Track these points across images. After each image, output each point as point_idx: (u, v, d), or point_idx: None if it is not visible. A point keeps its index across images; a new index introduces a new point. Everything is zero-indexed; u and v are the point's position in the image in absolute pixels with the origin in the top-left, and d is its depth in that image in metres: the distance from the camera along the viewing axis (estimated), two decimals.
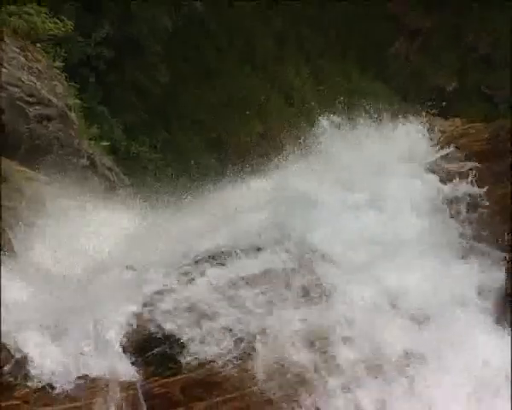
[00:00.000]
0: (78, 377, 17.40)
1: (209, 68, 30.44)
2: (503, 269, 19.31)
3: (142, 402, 17.44)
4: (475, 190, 20.77)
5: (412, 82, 26.82)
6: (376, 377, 17.66)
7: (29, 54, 22.76)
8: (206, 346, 17.98)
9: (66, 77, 24.94)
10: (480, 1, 33.32)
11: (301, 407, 17.25)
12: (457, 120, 22.76)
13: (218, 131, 26.05)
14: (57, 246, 20.16)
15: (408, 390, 17.49)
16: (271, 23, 31.80)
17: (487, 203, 20.47)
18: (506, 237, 19.81)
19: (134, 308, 18.47)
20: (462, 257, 19.67)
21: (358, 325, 18.24)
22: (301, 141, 22.03)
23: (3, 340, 17.39)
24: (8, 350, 17.38)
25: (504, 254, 19.62)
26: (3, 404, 17.03)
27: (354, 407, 17.32)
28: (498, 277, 19.12)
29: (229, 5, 31.44)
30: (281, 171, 21.73)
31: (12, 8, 21.82)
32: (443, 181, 21.39)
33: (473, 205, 20.73)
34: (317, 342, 18.05)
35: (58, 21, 23.10)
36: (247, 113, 27.82)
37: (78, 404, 17.11)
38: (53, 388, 17.19)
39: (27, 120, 22.19)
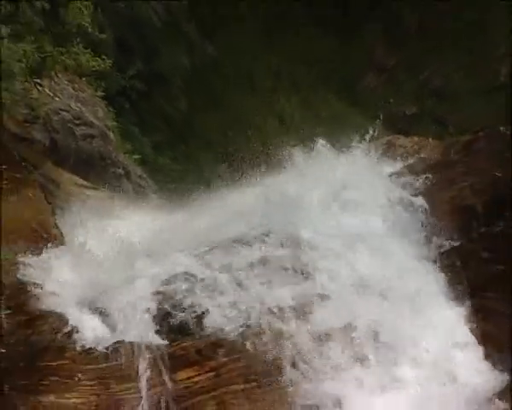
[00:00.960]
0: (115, 343, 17.56)
1: (218, 98, 30.55)
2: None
3: (166, 362, 17.62)
4: (430, 193, 20.93)
5: (380, 108, 26.84)
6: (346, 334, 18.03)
7: (76, 85, 23.09)
8: (216, 317, 18.14)
9: (105, 104, 25.00)
10: (434, 42, 31.90)
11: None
12: (415, 138, 22.92)
13: (225, 147, 26.19)
14: (99, 237, 20.28)
15: (373, 344, 17.94)
16: (269, 60, 31.70)
17: (440, 204, 20.61)
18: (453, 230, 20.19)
19: (160, 287, 18.72)
20: (421, 246, 19.94)
21: (334, 298, 18.60)
22: (291, 155, 21.99)
23: (58, 310, 17.73)
24: (61, 320, 17.63)
25: (449, 241, 20.12)
26: (56, 363, 17.21)
27: (327, 357, 17.73)
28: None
29: (234, 47, 31.12)
30: (274, 178, 22.00)
31: (62, 49, 21.82)
32: (404, 187, 21.51)
33: (428, 205, 20.79)
34: (302, 311, 18.36)
35: (99, 59, 23.03)
36: (249, 133, 27.99)
37: (114, 364, 17.29)
38: (94, 351, 17.38)
39: (75, 138, 22.46)
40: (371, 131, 22.55)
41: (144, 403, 16.97)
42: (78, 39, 22.33)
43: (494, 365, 17.94)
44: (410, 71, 32.02)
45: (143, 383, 17.18)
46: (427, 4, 32.67)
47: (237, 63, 30.67)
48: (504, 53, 31.67)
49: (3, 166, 19.09)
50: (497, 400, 17.23)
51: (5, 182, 18.85)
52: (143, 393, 17.09)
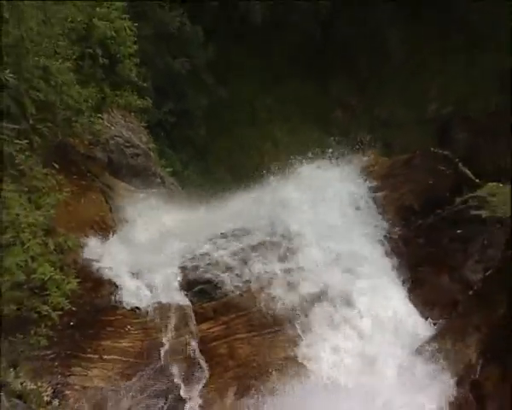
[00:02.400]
0: (154, 303, 17.84)
1: (228, 127, 30.58)
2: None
3: (192, 317, 17.90)
4: (381, 195, 21.12)
5: (345, 135, 26.88)
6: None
7: (127, 118, 23.29)
8: (226, 285, 18.42)
9: (147, 132, 24.89)
10: (383, 87, 31.41)
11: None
12: (371, 157, 22.87)
13: (234, 163, 26.37)
14: (142, 227, 20.64)
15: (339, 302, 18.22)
16: (265, 100, 31.68)
17: (388, 203, 20.82)
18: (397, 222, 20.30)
19: (186, 263, 18.93)
20: (374, 233, 20.11)
21: (312, 271, 18.84)
22: (281, 169, 22.18)
23: (114, 279, 18.01)
24: (115, 287, 17.86)
25: (395, 230, 20.26)
26: (112, 318, 17.45)
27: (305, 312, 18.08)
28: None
29: (240, 91, 31.09)
30: (269, 186, 21.93)
31: (117, 92, 21.87)
32: (363, 191, 21.42)
33: (380, 204, 20.96)
34: (288, 280, 18.64)
35: (143, 100, 23.04)
36: (251, 153, 28.18)
37: (153, 318, 17.57)
38: (139, 309, 17.68)
39: (125, 156, 22.51)
40: (339, 152, 22.61)
41: (174, 346, 17.30)
42: (127, 86, 22.37)
43: (425, 317, 18.18)
44: (366, 108, 31.85)
45: (174, 333, 17.49)
46: (378, 61, 32.12)
47: (242, 102, 30.76)
48: (433, 96, 31.41)
49: (74, 177, 19.26)
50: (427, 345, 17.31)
51: (76, 187, 18.90)
52: (173, 338, 17.45)
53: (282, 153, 23.11)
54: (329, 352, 17.38)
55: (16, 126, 16.84)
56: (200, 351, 17.53)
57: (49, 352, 16.07)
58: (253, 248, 19.39)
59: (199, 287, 18.66)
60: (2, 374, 15.11)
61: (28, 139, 17.04)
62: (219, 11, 30.35)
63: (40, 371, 15.83)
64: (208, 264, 18.97)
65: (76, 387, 16.17)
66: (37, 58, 17.50)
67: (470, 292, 17.85)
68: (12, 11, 16.13)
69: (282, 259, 19.24)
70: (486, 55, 30.93)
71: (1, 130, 16.16)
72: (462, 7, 31.79)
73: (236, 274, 18.85)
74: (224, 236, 19.72)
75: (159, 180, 22.36)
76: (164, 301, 18.16)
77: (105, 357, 16.84)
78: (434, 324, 17.91)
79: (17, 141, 16.59)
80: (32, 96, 17.27)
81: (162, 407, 16.41)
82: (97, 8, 21.17)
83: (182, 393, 16.70)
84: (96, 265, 18.10)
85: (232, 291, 18.62)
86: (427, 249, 19.41)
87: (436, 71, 30.96)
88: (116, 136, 21.79)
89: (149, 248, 19.66)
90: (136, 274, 18.57)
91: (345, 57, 31.78)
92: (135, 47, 21.99)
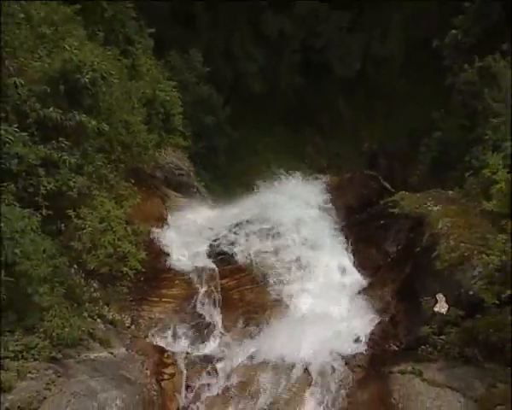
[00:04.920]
0: (193, 266, 18.14)
1: (239, 157, 30.34)
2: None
3: (217, 275, 18.15)
4: (334, 201, 21.08)
5: (313, 163, 26.76)
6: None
7: (175, 152, 23.22)
8: (238, 255, 18.69)
9: (189, 160, 24.54)
10: (334, 133, 31.34)
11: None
12: (328, 176, 22.77)
13: (243, 179, 26.20)
14: (185, 220, 20.42)
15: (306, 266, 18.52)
16: (263, 140, 31.37)
17: (338, 205, 20.82)
18: (344, 218, 20.21)
19: (213, 242, 19.21)
20: (330, 225, 20.12)
21: (291, 247, 19.06)
22: (272, 183, 22.27)
23: (168, 251, 18.19)
24: (169, 256, 18.10)
25: (343, 223, 20.03)
26: (166, 275, 17.75)
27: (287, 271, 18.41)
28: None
29: (247, 134, 30.72)
30: (265, 193, 21.79)
31: (169, 136, 21.77)
32: (322, 197, 21.31)
33: (333, 206, 20.83)
34: (277, 252, 18.89)
35: (185, 140, 22.95)
36: (254, 173, 27.70)
37: (191, 276, 17.86)
38: (182, 272, 17.92)
39: (175, 175, 22.48)
40: (309, 172, 22.75)
41: (204, 293, 17.56)
42: (176, 132, 22.11)
43: (361, 275, 18.28)
44: (326, 145, 31.49)
45: (206, 285, 17.75)
46: (333, 117, 31.61)
47: (248, 141, 30.67)
48: (366, 138, 30.94)
49: (143, 188, 19.31)
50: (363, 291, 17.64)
51: (144, 195, 18.88)
52: (203, 290, 17.64)
53: (273, 173, 23.03)
54: (300, 295, 17.61)
55: (108, 156, 17.29)
56: (221, 297, 17.67)
57: (128, 296, 16.29)
58: (254, 232, 19.35)
59: (220, 257, 18.74)
60: (100, 310, 15.49)
61: (115, 165, 17.48)
62: (233, 85, 30.17)
63: (123, 308, 16.19)
64: (226, 242, 19.05)
65: (145, 318, 16.56)
66: (121, 115, 17.93)
67: (389, 259, 18.03)
68: (106, 87, 16.49)
69: (272, 239, 19.19)
70: (398, 113, 31.06)
71: (100, 159, 16.55)
72: (387, 86, 31.57)
73: (242, 250, 18.92)
74: (236, 225, 19.66)
75: (195, 190, 22.30)
76: (199, 265, 18.24)
77: (163, 300, 17.18)
78: (366, 277, 18.12)
79: (109, 166, 17.02)
80: (118, 138, 17.66)
81: (200, 327, 16.83)
82: (159, 85, 21.51)
83: (206, 319, 17.06)
84: (157, 242, 18.19)
85: (241, 259, 18.71)
86: (362, 233, 19.30)
87: (367, 124, 30.97)
88: (169, 163, 21.85)
89: (190, 232, 19.58)
90: (181, 248, 18.62)
91: (313, 114, 31.53)
92: (181, 108, 22.21)
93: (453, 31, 23.72)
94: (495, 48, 19.59)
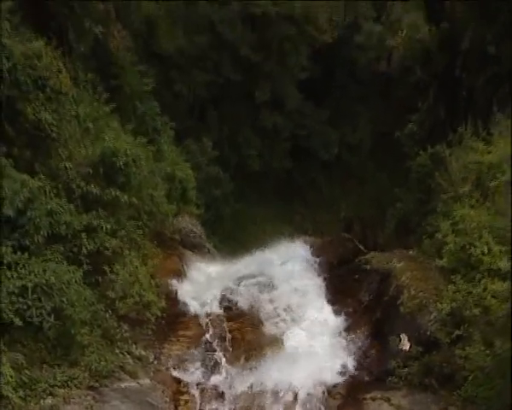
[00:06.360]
0: (204, 312, 17.98)
1: (242, 224, 29.98)
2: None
3: (223, 319, 17.84)
4: (318, 256, 20.51)
5: (300, 228, 26.44)
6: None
7: (190, 218, 22.30)
8: (241, 303, 18.48)
9: (200, 225, 23.45)
10: (319, 205, 31.09)
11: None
12: (313, 238, 22.61)
13: (245, 242, 25.90)
14: (198, 272, 20.01)
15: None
16: (258, 210, 30.76)
17: (322, 260, 20.19)
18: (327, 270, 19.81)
19: (221, 291, 18.85)
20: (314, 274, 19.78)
21: (281, 293, 18.68)
22: (267, 245, 21.71)
23: (184, 300, 17.99)
24: (185, 303, 17.94)
25: (325, 274, 19.62)
26: (183, 319, 17.48)
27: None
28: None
29: (247, 205, 30.47)
30: (261, 253, 21.22)
31: (186, 205, 22.00)
32: (308, 253, 20.81)
33: (318, 260, 20.32)
34: (271, 301, 18.51)
35: (198, 210, 22.99)
36: (253, 237, 27.19)
37: (202, 320, 17.63)
38: (196, 317, 17.78)
39: (190, 238, 21.68)
40: (297, 236, 22.53)
41: (213, 334, 17.20)
42: (191, 202, 22.31)
43: (339, 317, 17.82)
44: (310, 215, 30.85)
45: (213, 327, 17.42)
46: (316, 194, 31.16)
47: (249, 212, 30.50)
48: (343, 208, 30.72)
49: (164, 248, 19.19)
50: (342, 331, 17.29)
51: (165, 254, 18.90)
52: (213, 330, 17.30)
53: (269, 236, 22.91)
54: (291, 335, 17.31)
55: (136, 222, 17.39)
56: (227, 337, 17.35)
57: (151, 336, 16.22)
58: (254, 284, 19.10)
59: (227, 304, 18.50)
60: (129, 348, 15.37)
61: (142, 230, 17.58)
62: (236, 165, 30.14)
63: (147, 346, 15.98)
64: (231, 292, 18.83)
65: (166, 354, 16.24)
66: (147, 190, 18.09)
67: (362, 306, 17.81)
68: (136, 168, 16.66)
69: (268, 289, 18.94)
70: (368, 189, 31.22)
71: (130, 225, 16.67)
72: (358, 168, 31.55)
73: (245, 297, 18.64)
74: (239, 278, 19.44)
75: (207, 250, 21.91)
76: (209, 311, 18.06)
77: (180, 339, 16.89)
78: (344, 321, 17.73)
79: (137, 230, 17.14)
80: (144, 208, 17.78)
81: (207, 361, 16.53)
82: (177, 166, 21.69)
83: (215, 355, 16.76)
84: (175, 292, 18.08)
85: (243, 306, 18.42)
86: (340, 285, 19.04)
87: (344, 197, 31.04)
88: (185, 228, 21.44)
89: (202, 284, 19.36)
90: (195, 297, 18.44)
91: (300, 189, 31.51)
92: (195, 184, 22.35)
93: (410, 125, 24.16)
94: (442, 138, 19.86)
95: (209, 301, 18.58)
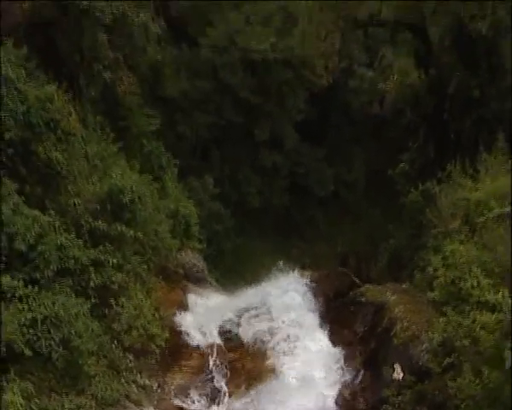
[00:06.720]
0: (205, 342, 17.97)
1: (242, 259, 29.21)
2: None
3: (224, 349, 17.95)
4: (314, 290, 20.56)
5: (298, 262, 26.01)
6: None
7: (193, 253, 21.75)
8: (241, 335, 18.64)
9: (203, 260, 22.99)
10: (313, 239, 30.56)
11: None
12: (310, 271, 22.37)
13: (245, 275, 25.58)
14: (200, 304, 19.73)
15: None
16: (259, 246, 30.01)
17: (317, 293, 20.31)
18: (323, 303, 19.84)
19: (222, 323, 18.94)
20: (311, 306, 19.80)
21: (283, 327, 18.68)
22: (266, 277, 21.74)
23: (187, 331, 17.94)
24: (188, 334, 17.86)
25: (321, 306, 19.64)
26: (185, 350, 17.50)
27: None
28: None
29: (247, 241, 29.77)
30: (261, 285, 21.15)
31: (189, 241, 21.62)
32: (305, 287, 20.73)
33: (313, 293, 20.36)
34: (269, 331, 18.52)
35: (201, 244, 22.58)
36: (253, 270, 26.58)
37: (205, 350, 17.67)
38: (198, 347, 17.81)
39: (193, 272, 21.33)
40: (294, 269, 22.08)
41: (215, 364, 17.24)
42: (194, 237, 21.98)
43: (335, 347, 17.85)
44: (308, 249, 30.05)
45: (215, 357, 17.44)
46: (313, 230, 30.71)
47: (249, 246, 30.05)
48: (340, 244, 30.43)
49: (168, 282, 19.17)
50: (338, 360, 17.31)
51: (169, 287, 18.88)
52: (215, 360, 17.32)
53: (268, 269, 22.78)
54: (289, 364, 17.33)
55: (141, 257, 17.45)
56: (228, 367, 17.40)
57: (155, 366, 16.24)
58: (253, 316, 19.16)
59: (227, 335, 18.56)
60: (134, 377, 15.33)
61: (147, 264, 17.63)
62: (237, 202, 29.88)
63: (152, 375, 16.00)
64: (232, 323, 18.87)
65: (169, 383, 16.31)
66: (152, 225, 18.11)
67: (358, 337, 17.81)
68: (142, 205, 16.80)
69: (267, 321, 18.94)
70: (363, 225, 31.23)
71: (135, 260, 16.72)
72: (353, 204, 31.74)
73: (245, 328, 18.71)
74: (240, 310, 19.44)
75: (209, 283, 21.78)
76: (211, 341, 18.04)
77: (182, 369, 16.95)
78: (340, 351, 17.74)
79: (142, 265, 17.19)
80: (149, 243, 17.82)
81: (209, 390, 16.54)
82: (181, 202, 21.75)
83: (216, 384, 16.78)
84: (178, 324, 18.04)
85: (244, 338, 18.47)
86: (337, 316, 19.08)
87: (340, 232, 30.91)
88: (188, 262, 21.24)
89: (204, 316, 19.23)
90: (197, 328, 18.38)
91: (298, 225, 31.29)
92: (197, 220, 22.33)
93: (402, 163, 24.36)
94: (432, 176, 20.07)
95: (211, 332, 18.53)
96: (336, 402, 15.92)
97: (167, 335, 16.58)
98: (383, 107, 30.75)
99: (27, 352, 12.38)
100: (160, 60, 24.64)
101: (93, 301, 14.56)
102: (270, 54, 27.43)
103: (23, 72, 15.03)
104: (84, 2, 16.92)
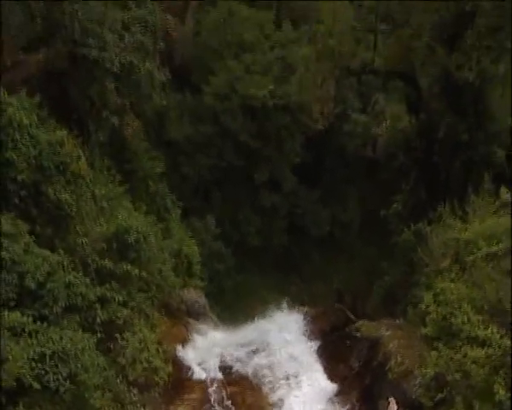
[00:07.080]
0: (207, 376, 17.91)
1: (242, 295, 29.05)
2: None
3: (225, 383, 17.78)
4: (308, 324, 20.70)
5: (296, 300, 25.92)
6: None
7: (195, 291, 21.68)
8: (239, 368, 18.52)
9: (205, 296, 22.63)
10: (310, 276, 30.40)
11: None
12: (307, 308, 22.25)
13: (244, 311, 25.42)
14: (201, 340, 19.72)
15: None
16: (259, 283, 30.03)
17: (312, 328, 20.46)
18: (318, 338, 19.81)
19: (222, 359, 18.84)
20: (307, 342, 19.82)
21: (281, 362, 18.68)
22: (265, 314, 21.83)
23: (188, 365, 17.94)
24: (190, 368, 17.89)
25: (316, 341, 19.61)
26: (187, 383, 17.43)
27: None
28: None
29: (248, 277, 29.40)
30: (259, 322, 21.25)
31: (191, 279, 21.69)
32: (302, 325, 20.89)
33: (308, 329, 20.47)
34: (269, 366, 18.52)
35: (202, 282, 22.54)
36: (252, 307, 26.47)
37: (205, 383, 17.60)
38: (200, 381, 17.75)
39: (195, 308, 21.31)
40: (292, 305, 22.40)
41: (216, 397, 17.15)
42: (196, 276, 22.08)
43: (331, 381, 17.73)
44: (304, 287, 30.09)
45: (216, 392, 17.37)
46: (309, 267, 30.46)
47: (248, 283, 29.81)
48: (335, 281, 30.37)
49: (171, 317, 19.14)
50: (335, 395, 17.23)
51: (171, 322, 18.90)
52: (215, 395, 17.23)
53: (267, 306, 22.76)
54: (288, 398, 17.28)
55: (146, 294, 17.44)
56: (228, 401, 17.24)
57: (159, 399, 16.14)
58: (253, 351, 19.15)
59: (228, 370, 18.45)
60: (132, 409, 15.16)
61: (151, 301, 17.64)
62: (237, 241, 29.91)
63: (154, 408, 15.87)
64: (232, 358, 18.81)
65: None
66: (156, 264, 18.21)
67: (353, 372, 17.80)
68: (146, 245, 16.91)
69: (266, 356, 18.94)
70: (357, 263, 31.24)
71: (140, 297, 16.75)
72: (349, 243, 31.84)
73: (245, 363, 18.66)
74: (240, 345, 19.44)
75: (210, 319, 21.68)
76: (211, 376, 17.98)
77: (185, 402, 16.87)
78: (336, 386, 17.70)
79: (146, 301, 17.20)
80: (153, 281, 17.84)
81: None
82: (184, 242, 21.79)
83: None
84: (181, 358, 18.02)
85: (243, 372, 18.38)
86: (333, 351, 19.04)
87: (336, 270, 30.82)
88: (190, 299, 21.20)
89: (205, 350, 19.19)
90: (199, 363, 18.37)
91: (296, 263, 31.25)
92: (199, 259, 22.41)
93: (395, 204, 24.66)
94: (424, 216, 20.29)
95: (212, 366, 18.47)
96: None
97: (170, 368, 16.53)
98: (376, 150, 31.10)
99: (36, 385, 12.40)
100: (164, 106, 24.87)
101: (99, 335, 14.57)
102: (269, 100, 27.86)
103: (35, 118, 15.28)
104: (95, 53, 17.23)
